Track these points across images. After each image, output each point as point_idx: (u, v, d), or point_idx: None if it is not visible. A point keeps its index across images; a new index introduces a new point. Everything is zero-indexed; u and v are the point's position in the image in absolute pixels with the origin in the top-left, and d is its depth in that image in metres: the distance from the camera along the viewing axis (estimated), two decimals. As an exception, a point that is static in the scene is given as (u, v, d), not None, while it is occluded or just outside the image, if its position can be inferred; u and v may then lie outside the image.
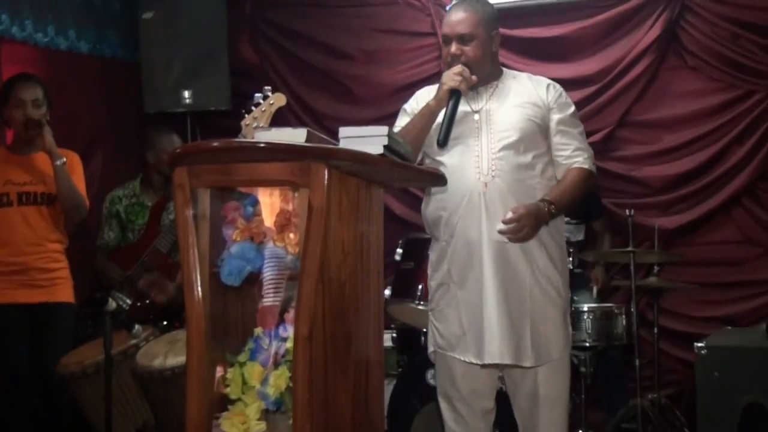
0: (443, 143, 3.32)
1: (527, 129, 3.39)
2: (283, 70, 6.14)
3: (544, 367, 3.38)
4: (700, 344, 3.67)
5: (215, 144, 2.76)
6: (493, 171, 3.34)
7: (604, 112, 5.46)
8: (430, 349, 3.54)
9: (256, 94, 3.89)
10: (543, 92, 3.48)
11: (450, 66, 3.44)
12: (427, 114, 3.41)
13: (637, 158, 5.45)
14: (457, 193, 3.35)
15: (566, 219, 5.05)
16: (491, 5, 3.60)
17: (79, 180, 4.49)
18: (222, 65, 5.78)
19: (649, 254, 4.92)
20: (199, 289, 2.72)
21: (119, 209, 5.03)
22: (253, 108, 3.91)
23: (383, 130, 2.81)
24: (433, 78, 5.77)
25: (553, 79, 4.92)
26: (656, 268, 4.90)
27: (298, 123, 5.95)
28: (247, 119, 3.90)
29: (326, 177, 2.59)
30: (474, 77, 3.37)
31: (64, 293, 4.45)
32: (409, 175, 3.03)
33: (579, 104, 5.39)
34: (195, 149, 2.84)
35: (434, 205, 3.46)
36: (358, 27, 6.04)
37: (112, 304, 3.62)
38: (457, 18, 3.43)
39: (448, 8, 3.51)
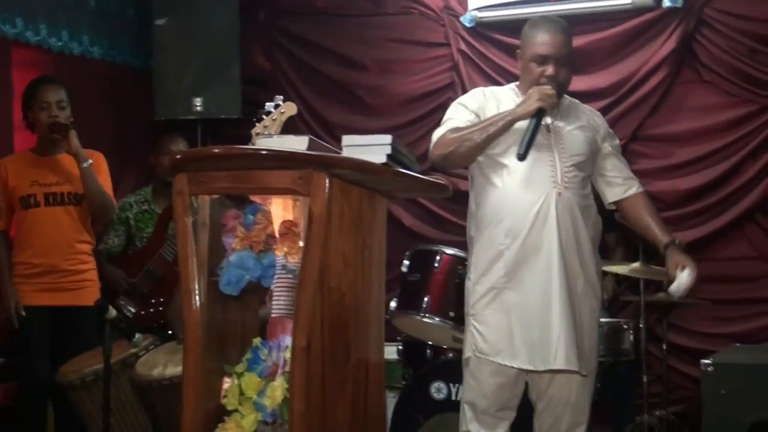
0: (523, 158, 3.34)
1: (589, 151, 3.51)
2: (295, 79, 6.12)
3: (580, 377, 3.43)
4: (706, 361, 3.63)
5: (216, 150, 2.76)
6: (566, 183, 3.40)
7: (617, 125, 5.38)
8: (467, 354, 3.50)
9: (267, 103, 3.87)
10: (597, 120, 3.62)
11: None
12: (506, 123, 3.40)
13: (650, 172, 5.37)
14: (529, 199, 3.37)
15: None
16: None
17: (105, 180, 4.48)
18: (234, 73, 5.78)
19: (659, 270, 4.85)
20: (197, 297, 2.70)
21: (129, 216, 5.02)
22: (263, 117, 3.90)
23: (387, 138, 2.79)
24: (446, 89, 5.78)
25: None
26: (665, 284, 4.83)
27: (310, 133, 5.91)
28: (258, 128, 3.88)
29: (327, 186, 2.58)
30: (557, 100, 3.44)
31: (92, 296, 4.39)
32: (414, 185, 3.00)
33: (592, 117, 5.40)
34: (195, 155, 2.84)
35: (495, 207, 3.44)
36: (373, 37, 6.01)
37: (112, 312, 3.59)
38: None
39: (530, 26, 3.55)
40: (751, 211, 5.18)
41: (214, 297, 2.75)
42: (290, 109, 3.87)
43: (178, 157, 2.75)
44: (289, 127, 3.95)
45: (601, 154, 3.58)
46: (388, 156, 2.77)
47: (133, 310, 4.73)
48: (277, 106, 3.90)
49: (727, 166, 5.21)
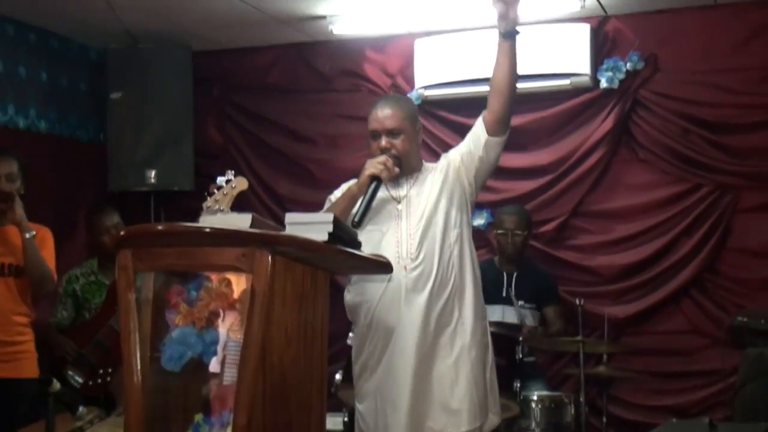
0: (357, 225, 3.43)
1: (442, 212, 3.54)
2: (247, 152, 6.23)
3: None
4: (647, 437, 3.68)
5: (159, 228, 2.80)
6: (412, 254, 3.47)
7: (558, 201, 5.55)
8: None
9: (219, 178, 3.93)
10: (443, 167, 3.63)
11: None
12: (348, 197, 3.54)
13: (590, 248, 5.53)
14: (378, 278, 3.46)
15: (521, 302, 5.11)
16: (413, 102, 3.88)
17: (49, 254, 4.46)
18: (187, 146, 5.88)
19: (599, 344, 4.95)
20: (139, 374, 2.70)
21: (76, 288, 5.03)
22: (215, 191, 3.96)
23: (329, 216, 2.85)
24: (393, 164, 5.90)
25: (509, 169, 5.08)
26: (605, 357, 4.93)
27: (261, 206, 6.01)
28: (209, 201, 3.93)
29: (270, 263, 2.61)
30: (397, 169, 3.52)
31: (29, 368, 4.37)
32: (355, 262, 3.05)
33: (534, 193, 5.53)
34: (139, 232, 2.84)
35: (355, 291, 3.57)
36: (322, 113, 6.14)
37: (56, 385, 3.59)
38: (384, 114, 3.60)
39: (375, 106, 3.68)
40: (685, 287, 5.32)
41: (156, 373, 2.75)
42: (242, 184, 3.93)
43: (122, 233, 2.79)
44: (241, 200, 4.02)
45: (472, 161, 3.59)
46: (330, 234, 2.84)
47: (80, 380, 4.72)
48: (228, 181, 3.97)
49: (663, 242, 5.35)
